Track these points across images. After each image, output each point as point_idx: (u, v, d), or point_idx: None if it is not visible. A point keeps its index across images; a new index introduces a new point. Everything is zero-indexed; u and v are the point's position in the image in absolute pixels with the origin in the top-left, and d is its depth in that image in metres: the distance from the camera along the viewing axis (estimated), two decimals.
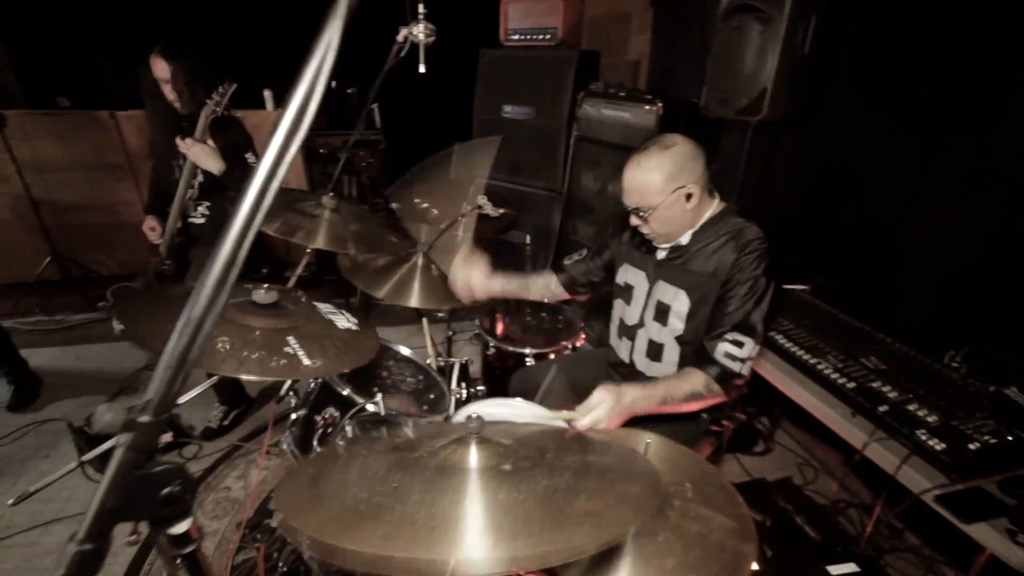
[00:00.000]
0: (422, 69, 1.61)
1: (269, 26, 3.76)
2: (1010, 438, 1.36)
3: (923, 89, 1.86)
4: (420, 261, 1.82)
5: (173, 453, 2.19)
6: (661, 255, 1.45)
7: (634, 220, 1.38)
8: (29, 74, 3.88)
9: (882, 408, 1.49)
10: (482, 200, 2.17)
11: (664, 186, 1.29)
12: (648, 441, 0.84)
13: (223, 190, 2.05)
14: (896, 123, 1.97)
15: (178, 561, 0.58)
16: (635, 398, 1.24)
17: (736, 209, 1.42)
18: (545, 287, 1.71)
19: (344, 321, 1.12)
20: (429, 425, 1.16)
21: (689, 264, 1.40)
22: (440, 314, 2.15)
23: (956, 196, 1.79)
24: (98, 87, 3.64)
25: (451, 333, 2.30)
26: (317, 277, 3.63)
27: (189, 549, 0.58)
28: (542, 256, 3.17)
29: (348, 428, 1.10)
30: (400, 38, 1.58)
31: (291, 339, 0.93)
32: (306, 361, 0.89)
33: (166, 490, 0.52)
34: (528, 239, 2.52)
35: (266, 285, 1.03)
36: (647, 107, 2.47)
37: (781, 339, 1.83)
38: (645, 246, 1.50)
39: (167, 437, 2.46)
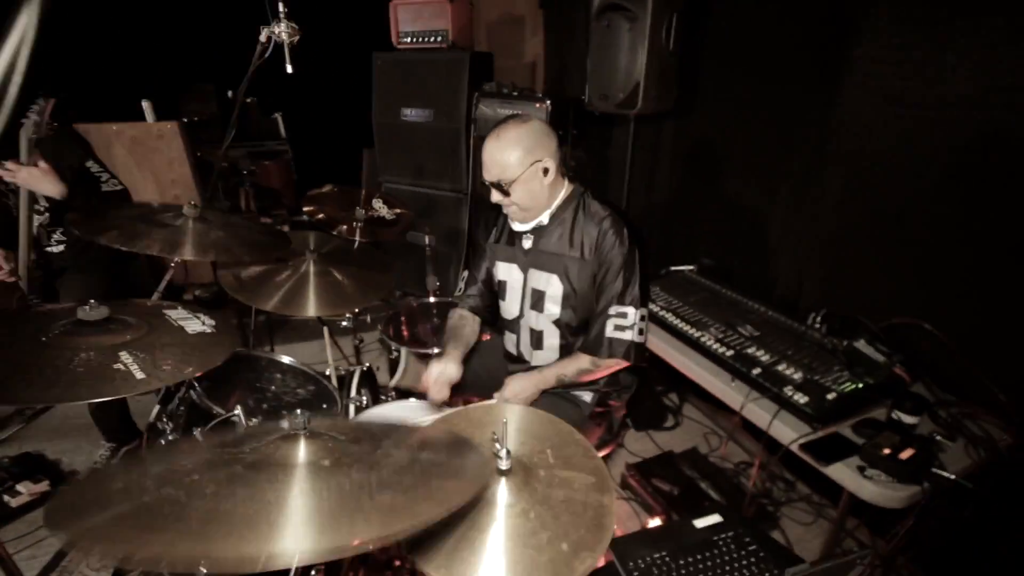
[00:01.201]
0: (289, 69, 1.56)
1: (145, 35, 3.50)
2: (860, 385, 1.52)
3: (773, 83, 2.05)
4: (312, 268, 1.75)
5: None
6: (527, 244, 1.50)
7: (495, 196, 1.42)
8: None
9: (756, 371, 1.62)
10: (376, 203, 2.14)
11: (523, 158, 1.34)
12: (504, 421, 0.86)
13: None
14: (754, 114, 2.16)
15: None
16: (522, 388, 1.42)
17: (582, 190, 1.49)
18: (473, 329, 1.66)
19: (198, 325, 1.06)
20: (263, 425, 1.12)
21: (553, 246, 1.46)
22: (344, 323, 2.08)
23: (806, 176, 1.99)
24: None
25: (358, 342, 2.24)
26: (218, 297, 3.41)
27: None
28: (455, 257, 3.18)
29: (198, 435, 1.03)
30: (263, 38, 1.52)
31: (123, 354, 0.86)
32: (139, 375, 0.83)
33: None
34: (428, 240, 2.51)
35: (92, 301, 0.95)
36: (537, 104, 2.54)
37: (670, 317, 1.94)
38: (510, 238, 1.55)
39: (43, 487, 2.22)
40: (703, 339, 1.79)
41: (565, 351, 1.52)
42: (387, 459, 0.74)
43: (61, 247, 1.94)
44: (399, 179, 3.28)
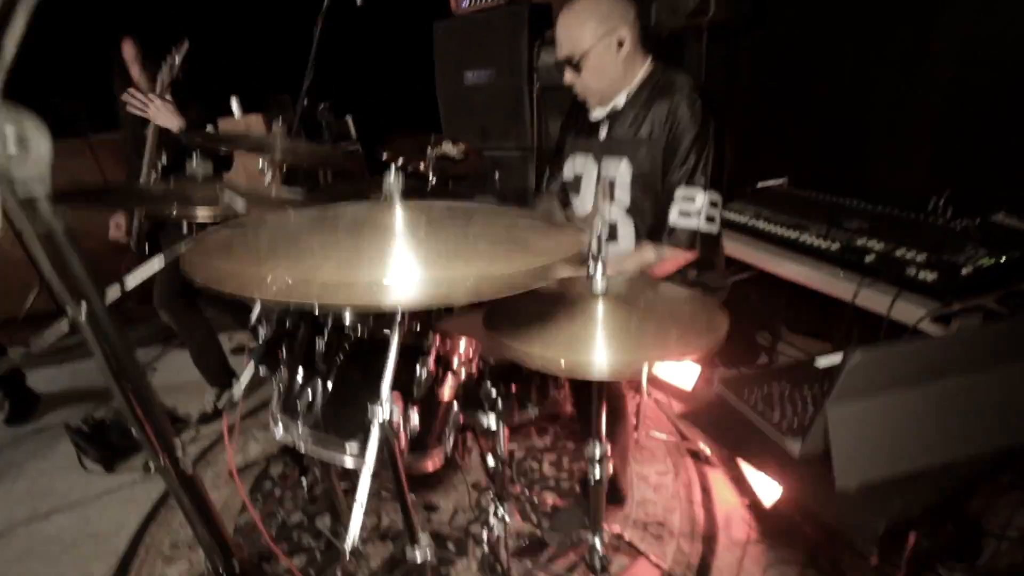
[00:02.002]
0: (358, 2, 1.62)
1: (233, 33, 3.81)
2: (1004, 258, 1.31)
3: None
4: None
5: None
6: (603, 133, 1.44)
7: (568, 76, 1.36)
8: None
9: (869, 258, 1.45)
10: (445, 145, 2.17)
11: (595, 29, 1.28)
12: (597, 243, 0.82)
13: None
14: (838, 16, 1.98)
15: None
16: None
17: (665, 67, 1.39)
18: (562, 216, 1.62)
19: None
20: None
21: (627, 130, 1.38)
22: None
23: (903, 71, 1.79)
24: (70, 115, 3.69)
25: None
26: None
27: None
28: None
29: None
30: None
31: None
32: None
33: None
34: (496, 177, 2.51)
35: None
36: None
37: (762, 224, 1.80)
38: (588, 130, 1.49)
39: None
40: (803, 239, 1.64)
41: (637, 242, 1.44)
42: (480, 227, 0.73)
43: None
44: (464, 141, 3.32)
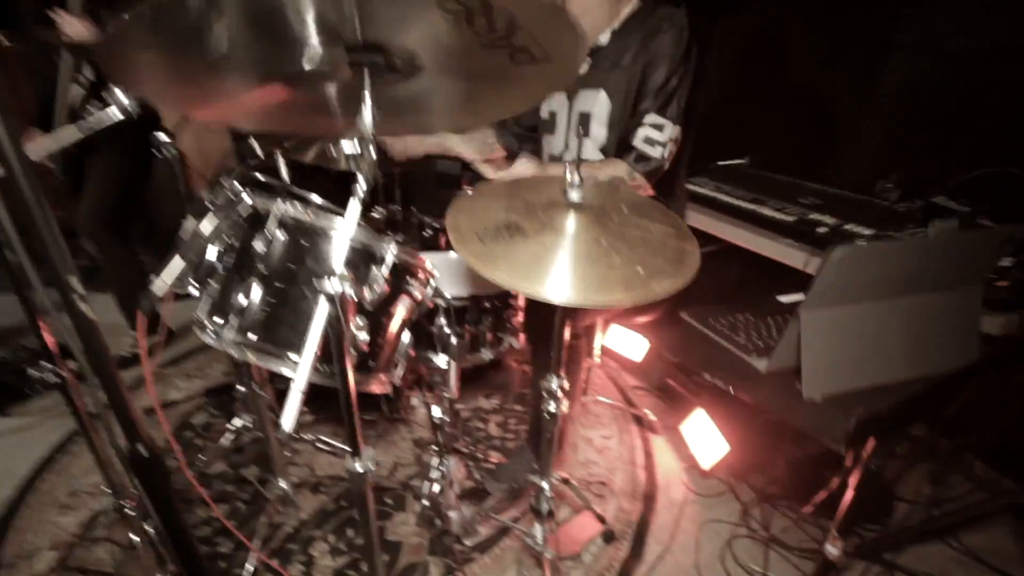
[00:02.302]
0: None
1: None
2: None
3: None
4: None
5: None
6: (583, 69, 1.38)
7: None
8: None
9: (821, 230, 1.50)
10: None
11: None
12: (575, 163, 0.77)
13: None
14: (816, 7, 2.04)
15: None
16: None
17: (656, 3, 1.34)
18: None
19: None
20: None
21: (607, 63, 1.33)
22: None
23: (866, 61, 1.86)
24: None
25: None
26: None
27: None
28: None
29: None
30: None
31: None
32: None
33: None
34: None
35: None
36: None
37: (722, 196, 1.82)
38: None
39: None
40: (760, 211, 1.67)
41: None
42: None
43: None
44: None
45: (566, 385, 0.96)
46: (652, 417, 1.87)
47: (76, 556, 1.33)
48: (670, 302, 1.69)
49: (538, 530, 1.14)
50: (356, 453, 0.69)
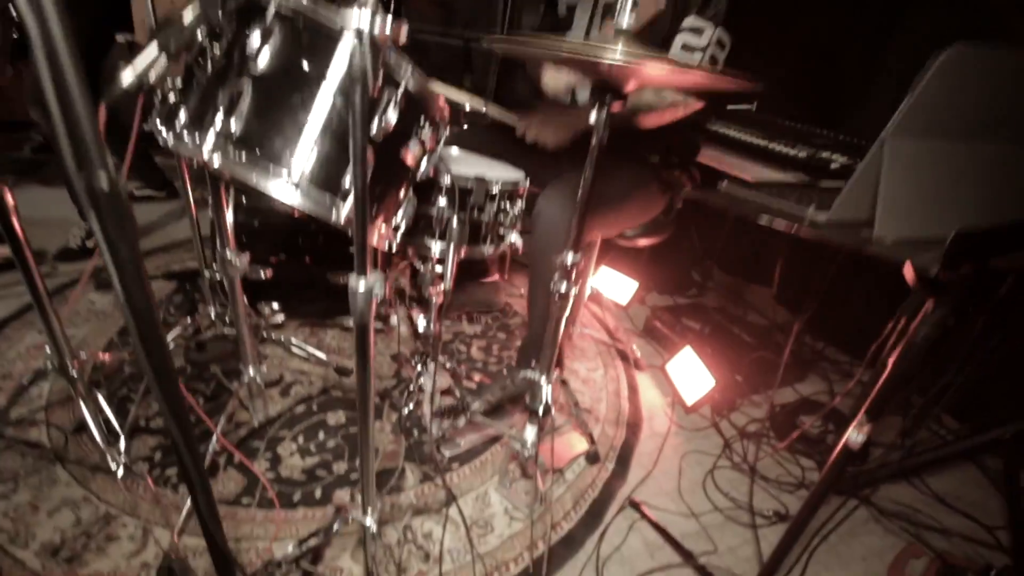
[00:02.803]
0: None
1: None
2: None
3: None
4: None
5: None
6: None
7: None
8: None
9: (834, 165, 1.46)
10: None
11: None
12: None
13: None
14: None
15: None
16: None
17: None
18: None
19: None
20: None
21: None
22: None
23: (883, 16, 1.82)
24: None
25: None
26: None
27: None
28: None
29: None
30: None
31: None
32: None
33: None
34: None
35: None
36: None
37: (733, 132, 1.76)
38: None
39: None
40: (772, 146, 1.62)
41: None
42: None
43: None
44: (425, 27, 3.00)
45: (580, 263, 0.87)
46: (638, 353, 1.83)
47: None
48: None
49: (530, 432, 1.08)
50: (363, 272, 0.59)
